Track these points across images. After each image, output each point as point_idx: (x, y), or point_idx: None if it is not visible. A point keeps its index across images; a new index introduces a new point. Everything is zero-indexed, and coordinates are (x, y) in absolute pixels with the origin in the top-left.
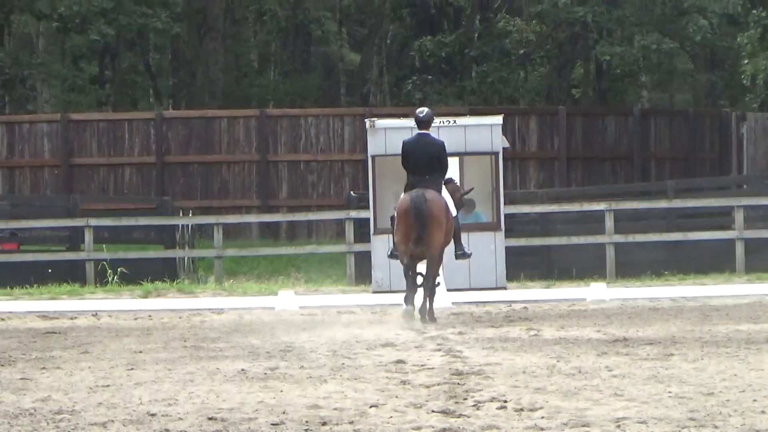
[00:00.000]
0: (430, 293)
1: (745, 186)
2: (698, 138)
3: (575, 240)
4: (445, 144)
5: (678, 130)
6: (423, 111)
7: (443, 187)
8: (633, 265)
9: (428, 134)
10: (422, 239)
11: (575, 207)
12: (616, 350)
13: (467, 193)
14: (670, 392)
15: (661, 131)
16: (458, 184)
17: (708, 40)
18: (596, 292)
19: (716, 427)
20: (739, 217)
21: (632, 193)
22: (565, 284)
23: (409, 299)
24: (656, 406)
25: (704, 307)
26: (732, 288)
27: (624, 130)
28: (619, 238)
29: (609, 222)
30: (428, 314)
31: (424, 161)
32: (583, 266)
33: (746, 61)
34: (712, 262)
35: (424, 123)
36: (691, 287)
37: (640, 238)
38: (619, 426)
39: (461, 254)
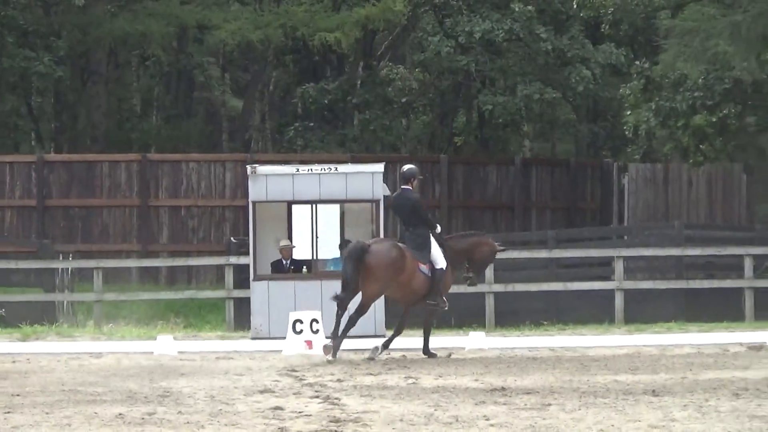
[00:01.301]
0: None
1: (625, 236)
2: (580, 188)
3: (455, 289)
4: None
5: (559, 179)
6: (405, 167)
7: (436, 238)
8: (512, 315)
9: (407, 189)
10: (348, 287)
11: None
12: (494, 399)
13: (502, 250)
14: None
15: (543, 181)
16: (488, 239)
17: (590, 90)
18: (475, 340)
19: None
20: (619, 267)
21: (513, 242)
22: (444, 333)
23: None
24: None
25: (583, 358)
26: (611, 338)
27: (505, 179)
28: (499, 288)
29: (489, 271)
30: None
31: (403, 216)
32: (462, 315)
33: (629, 112)
34: (591, 312)
35: (402, 179)
36: (570, 337)
37: (519, 287)
38: None
39: (433, 305)
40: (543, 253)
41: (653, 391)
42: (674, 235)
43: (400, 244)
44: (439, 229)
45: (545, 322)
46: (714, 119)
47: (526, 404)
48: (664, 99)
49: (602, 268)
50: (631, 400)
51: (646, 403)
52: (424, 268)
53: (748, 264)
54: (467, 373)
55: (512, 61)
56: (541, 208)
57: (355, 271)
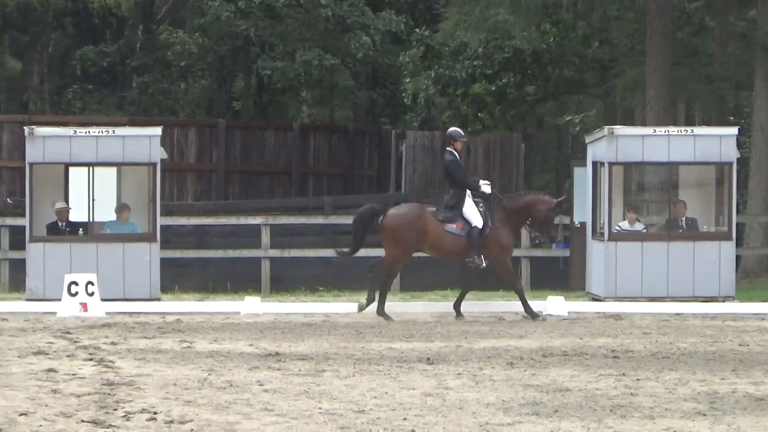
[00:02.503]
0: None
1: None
2: (357, 155)
3: (231, 253)
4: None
5: (337, 146)
6: (449, 129)
7: (490, 198)
8: (288, 280)
9: (447, 151)
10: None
11: (232, 220)
12: (268, 365)
13: (561, 202)
14: (320, 408)
15: (321, 147)
16: (543, 196)
17: (370, 57)
18: (250, 305)
19: None
20: None
21: (290, 208)
22: (220, 297)
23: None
24: (306, 422)
25: (358, 324)
26: (386, 306)
27: (283, 144)
28: (275, 253)
29: (265, 236)
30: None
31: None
32: (238, 280)
33: (408, 80)
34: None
35: (446, 141)
36: (346, 304)
37: (296, 253)
38: None
39: (470, 262)
40: (319, 219)
41: (428, 359)
42: None
43: (426, 207)
44: (486, 189)
45: (321, 288)
46: (493, 88)
47: (300, 370)
48: (444, 67)
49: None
50: (406, 367)
51: (421, 371)
52: (453, 227)
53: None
54: (242, 338)
55: (292, 27)
56: (318, 174)
57: (362, 232)
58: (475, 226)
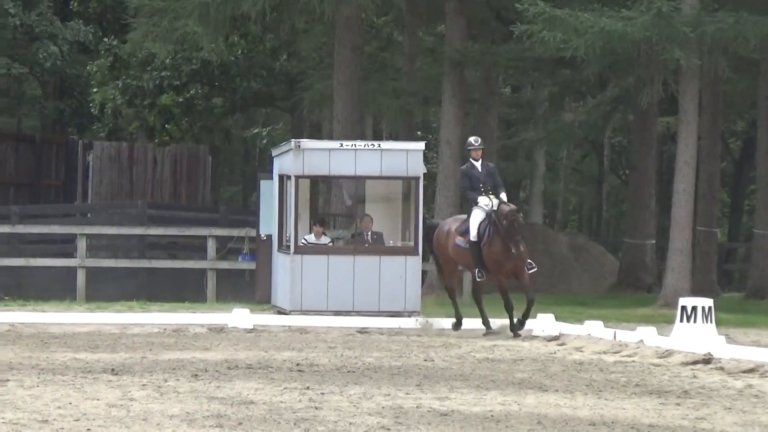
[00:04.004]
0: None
1: (89, 214)
2: (44, 164)
3: None
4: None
5: (24, 155)
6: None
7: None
8: None
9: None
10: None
11: None
12: None
13: (510, 211)
14: (4, 419)
15: (7, 156)
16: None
17: (58, 66)
18: None
19: None
20: (81, 245)
21: None
22: None
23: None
24: None
25: (43, 334)
26: (72, 316)
27: None
28: None
29: None
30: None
31: None
32: None
33: (95, 90)
34: (53, 289)
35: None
36: (31, 313)
37: None
38: None
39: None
40: (6, 229)
41: (113, 369)
42: (138, 215)
43: (455, 219)
44: (483, 201)
45: (6, 297)
46: (181, 99)
47: None
48: (132, 77)
49: (65, 245)
50: (90, 378)
51: (105, 382)
52: (460, 240)
53: (210, 245)
54: None
55: None
56: (4, 184)
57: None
58: (471, 239)
